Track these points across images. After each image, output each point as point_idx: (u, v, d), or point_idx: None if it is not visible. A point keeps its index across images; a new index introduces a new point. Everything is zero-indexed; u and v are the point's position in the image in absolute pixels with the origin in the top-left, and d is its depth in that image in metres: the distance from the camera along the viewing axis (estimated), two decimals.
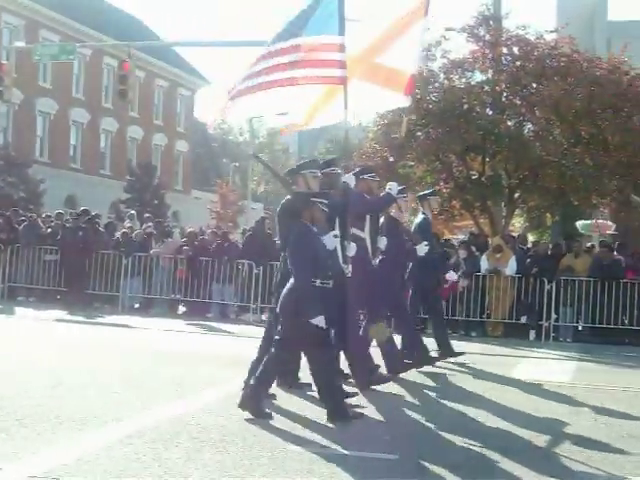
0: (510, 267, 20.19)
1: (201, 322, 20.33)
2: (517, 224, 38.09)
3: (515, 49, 25.51)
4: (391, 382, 11.48)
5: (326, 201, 9.35)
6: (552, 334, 19.90)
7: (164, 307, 22.31)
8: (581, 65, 24.54)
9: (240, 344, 16.89)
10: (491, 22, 26.08)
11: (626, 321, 19.73)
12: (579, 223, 28.80)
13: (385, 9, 12.97)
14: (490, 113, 25.48)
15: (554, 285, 19.83)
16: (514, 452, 8.06)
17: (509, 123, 25.52)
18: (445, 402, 10.78)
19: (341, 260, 10.44)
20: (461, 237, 32.22)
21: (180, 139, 63.81)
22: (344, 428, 8.66)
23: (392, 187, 11.94)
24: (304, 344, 9.13)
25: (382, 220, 12.42)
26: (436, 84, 25.32)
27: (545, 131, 24.62)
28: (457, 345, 15.08)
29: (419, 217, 14.11)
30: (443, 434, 8.77)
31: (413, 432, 8.80)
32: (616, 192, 25.40)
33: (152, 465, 7.01)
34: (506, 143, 24.41)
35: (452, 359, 14.21)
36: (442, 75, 25.56)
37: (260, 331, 18.78)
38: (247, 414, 9.01)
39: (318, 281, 8.99)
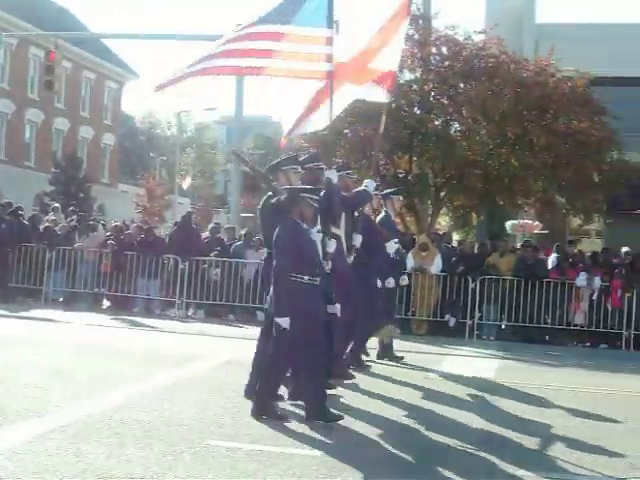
0: (435, 265, 20.31)
1: (125, 317, 20.13)
2: (443, 223, 38.35)
3: (444, 49, 25.67)
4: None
5: (316, 197, 9.31)
6: (476, 332, 20.07)
7: (88, 301, 22.06)
8: (508, 66, 24.77)
9: (164, 340, 16.83)
10: (420, 21, 26.20)
11: (549, 320, 20.00)
12: (508, 223, 29.08)
13: (372, 14, 12.96)
14: (418, 112, 25.60)
15: (478, 284, 20.02)
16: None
17: (436, 122, 25.67)
18: (387, 397, 10.85)
19: (321, 256, 10.39)
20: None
21: (107, 132, 63.16)
22: (272, 425, 8.66)
23: (368, 184, 11.89)
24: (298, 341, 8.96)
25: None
26: None
27: (472, 131, 24.84)
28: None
29: (381, 215, 13.92)
30: (385, 431, 8.83)
31: (339, 430, 8.81)
32: (541, 193, 25.74)
33: (73, 461, 6.94)
34: (433, 142, 24.56)
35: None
36: None
37: (185, 327, 18.87)
38: (175, 410, 8.97)
39: (306, 277, 8.94)
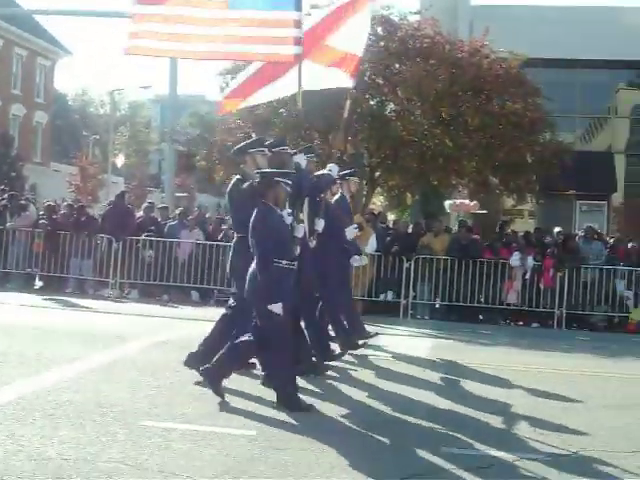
0: (370, 245, 20.33)
1: (59, 297, 19.92)
2: (378, 202, 38.47)
3: (379, 29, 25.62)
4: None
5: (290, 182, 9.27)
6: (410, 311, 20.20)
7: (20, 282, 21.77)
8: (443, 47, 24.82)
9: (98, 320, 16.69)
10: None
11: (482, 299, 20.20)
12: (447, 202, 29.29)
13: None
14: (353, 92, 25.52)
15: (413, 263, 20.12)
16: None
17: (371, 102, 25.65)
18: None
19: None
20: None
21: (39, 110, 62.25)
22: (207, 405, 8.65)
23: (332, 169, 11.82)
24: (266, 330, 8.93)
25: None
26: None
27: (407, 111, 24.87)
28: None
29: (336, 196, 13.23)
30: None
31: (276, 410, 8.82)
32: (475, 173, 25.90)
33: (6, 442, 6.88)
34: (368, 122, 24.57)
35: None
36: None
37: (119, 307, 18.73)
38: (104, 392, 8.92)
39: (284, 262, 8.92)
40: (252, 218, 8.98)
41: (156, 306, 19.33)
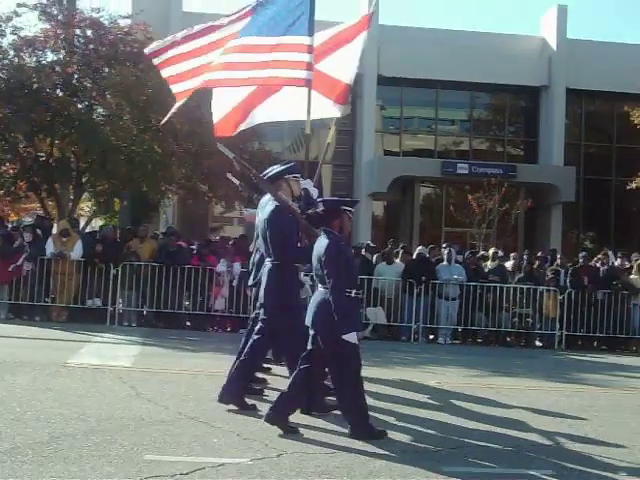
0: (76, 251, 20.07)
1: None
2: (86, 208, 37.84)
3: (89, 32, 25.36)
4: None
5: (353, 210, 9.22)
6: (117, 318, 20.03)
7: None
8: None
9: None
10: (65, 2, 25.79)
11: (189, 306, 20.33)
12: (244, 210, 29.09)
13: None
14: (60, 94, 25.08)
15: (120, 269, 19.95)
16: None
17: (80, 106, 25.24)
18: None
19: None
20: (28, 220, 31.56)
21: None
22: None
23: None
24: (336, 359, 8.82)
25: None
26: (5, 61, 24.54)
27: (115, 116, 24.59)
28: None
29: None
30: None
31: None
32: (184, 180, 26.03)
33: None
34: (76, 126, 24.12)
35: None
36: (12, 52, 24.78)
37: None
38: None
39: (354, 292, 8.78)
40: (326, 247, 8.74)
41: None
